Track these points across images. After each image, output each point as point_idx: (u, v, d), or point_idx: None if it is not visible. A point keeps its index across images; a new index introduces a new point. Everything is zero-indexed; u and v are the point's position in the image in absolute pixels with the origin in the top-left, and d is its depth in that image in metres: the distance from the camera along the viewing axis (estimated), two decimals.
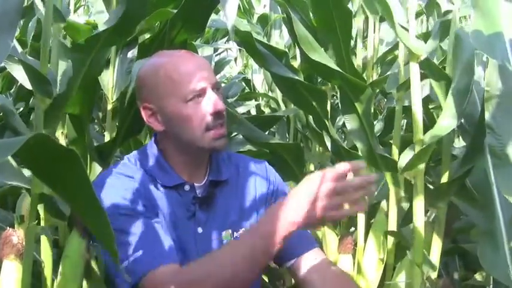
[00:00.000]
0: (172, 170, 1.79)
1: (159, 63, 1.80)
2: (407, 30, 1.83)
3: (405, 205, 2.41)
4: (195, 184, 1.80)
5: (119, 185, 1.73)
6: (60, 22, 2.20)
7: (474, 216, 1.76)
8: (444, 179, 1.89)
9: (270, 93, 3.75)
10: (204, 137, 1.73)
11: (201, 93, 1.72)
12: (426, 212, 1.97)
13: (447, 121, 1.69)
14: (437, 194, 1.87)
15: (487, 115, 1.34)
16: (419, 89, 1.78)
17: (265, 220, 1.56)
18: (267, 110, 4.00)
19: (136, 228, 1.66)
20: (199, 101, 1.72)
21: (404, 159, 1.83)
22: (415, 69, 1.78)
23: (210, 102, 1.72)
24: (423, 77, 1.89)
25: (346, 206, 1.49)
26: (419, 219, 1.78)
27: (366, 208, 1.53)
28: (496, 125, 1.33)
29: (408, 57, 1.85)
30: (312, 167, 3.14)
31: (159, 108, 1.77)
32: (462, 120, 1.83)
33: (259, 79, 4.13)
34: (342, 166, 1.49)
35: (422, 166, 1.79)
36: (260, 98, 4.04)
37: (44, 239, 2.06)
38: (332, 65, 1.96)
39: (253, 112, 4.24)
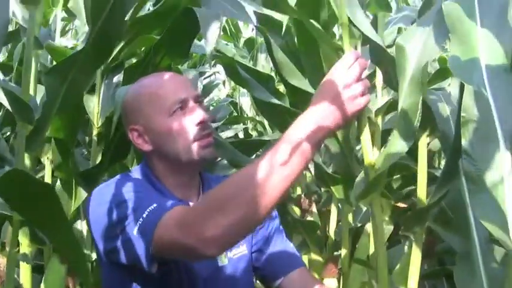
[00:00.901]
0: (166, 189, 1.79)
1: (141, 85, 1.84)
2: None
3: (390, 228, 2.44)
4: (190, 203, 1.79)
5: (124, 181, 1.73)
6: (39, 49, 2.22)
7: (450, 239, 1.76)
8: (421, 202, 1.88)
9: (257, 117, 3.76)
10: (192, 148, 1.73)
11: (183, 105, 1.74)
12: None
13: (398, 145, 1.59)
14: (413, 219, 1.86)
15: (463, 141, 1.35)
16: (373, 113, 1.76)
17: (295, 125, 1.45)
18: (254, 134, 4.01)
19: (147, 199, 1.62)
20: (182, 113, 1.74)
21: (358, 186, 1.81)
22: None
23: (194, 113, 1.74)
24: None
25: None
26: (381, 245, 1.73)
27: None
28: (472, 151, 1.34)
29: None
30: (298, 190, 3.16)
31: (145, 127, 1.78)
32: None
33: (247, 102, 4.15)
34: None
35: (378, 192, 1.72)
36: (248, 121, 4.06)
37: (24, 265, 2.05)
38: (311, 90, 1.97)
39: (241, 135, 4.25)
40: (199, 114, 1.74)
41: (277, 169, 1.36)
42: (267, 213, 1.40)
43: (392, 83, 1.78)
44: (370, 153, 1.65)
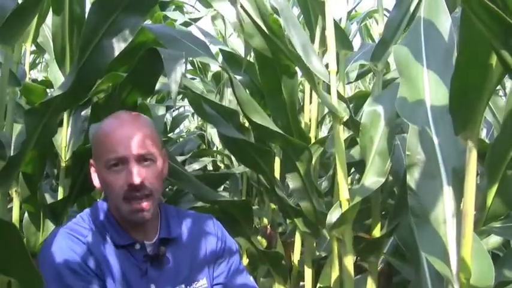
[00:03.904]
0: (121, 228, 1.81)
1: (102, 125, 1.86)
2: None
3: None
4: (145, 242, 1.82)
5: (65, 247, 1.74)
6: (16, 86, 2.27)
7: (404, 271, 1.83)
8: (376, 233, 1.96)
9: (225, 149, 3.81)
10: (123, 206, 1.75)
11: (120, 162, 1.74)
12: None
13: (371, 180, 1.76)
14: (368, 249, 1.94)
15: (408, 177, 1.43)
16: (342, 149, 1.86)
17: None
18: (223, 165, 4.06)
19: None
20: (119, 170, 1.74)
21: (332, 217, 1.89)
22: (338, 130, 1.87)
23: (127, 174, 1.73)
24: None
25: None
26: (349, 274, 1.83)
27: None
28: (416, 188, 1.42)
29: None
30: (265, 221, 3.21)
31: (96, 166, 1.83)
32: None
33: (216, 134, 4.19)
34: None
35: (349, 224, 1.84)
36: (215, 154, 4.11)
37: None
38: (273, 126, 2.04)
39: (210, 167, 4.29)
40: (129, 176, 1.73)
41: None
42: None
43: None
44: (345, 188, 1.80)
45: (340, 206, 1.84)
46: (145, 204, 1.76)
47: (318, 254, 2.86)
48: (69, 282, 1.69)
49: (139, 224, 1.80)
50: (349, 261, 1.85)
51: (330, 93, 1.95)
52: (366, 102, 2.08)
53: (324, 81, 2.04)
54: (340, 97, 1.97)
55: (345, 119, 1.89)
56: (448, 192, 1.40)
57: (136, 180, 1.72)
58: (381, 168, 1.76)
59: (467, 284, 1.33)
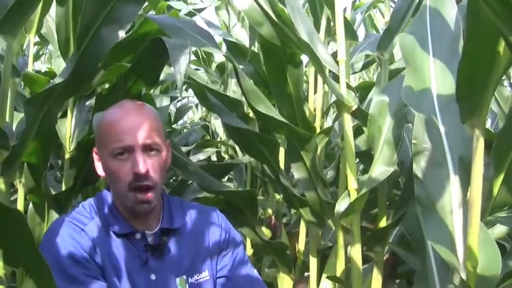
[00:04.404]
0: (122, 218, 1.81)
1: (106, 114, 1.86)
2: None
3: None
4: (147, 232, 1.82)
5: (66, 236, 1.74)
6: (17, 77, 2.26)
7: (410, 260, 1.82)
8: (382, 223, 1.96)
9: (229, 140, 3.80)
10: (127, 196, 1.76)
11: (126, 151, 1.74)
12: None
13: (380, 169, 1.76)
14: (374, 238, 1.93)
15: (414, 166, 1.42)
16: (351, 139, 1.85)
17: None
18: (227, 156, 4.05)
19: None
20: (125, 158, 1.74)
21: (340, 206, 1.89)
22: (347, 119, 1.86)
23: (133, 163, 1.73)
24: None
25: None
26: (356, 264, 1.83)
27: None
28: (422, 176, 1.41)
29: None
30: (270, 212, 3.21)
31: (100, 155, 1.83)
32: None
33: (220, 125, 4.18)
34: None
35: (358, 213, 1.84)
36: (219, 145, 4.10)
37: None
38: (277, 116, 2.03)
39: (214, 158, 4.29)
40: (136, 165, 1.73)
41: None
42: None
43: None
44: (354, 178, 1.82)
45: (349, 196, 1.84)
46: (149, 195, 1.76)
47: (323, 243, 2.85)
48: (71, 271, 1.69)
49: (142, 214, 1.80)
50: (357, 251, 1.85)
51: (338, 83, 1.94)
52: (374, 92, 2.08)
53: (330, 71, 2.03)
54: (348, 87, 1.96)
55: (353, 108, 1.88)
56: (454, 181, 1.39)
57: (142, 169, 1.72)
58: (389, 157, 1.76)
59: (474, 273, 1.32)
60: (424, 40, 1.61)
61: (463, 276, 1.33)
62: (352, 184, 1.85)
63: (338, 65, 1.95)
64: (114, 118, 1.81)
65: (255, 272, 2.02)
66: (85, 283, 1.70)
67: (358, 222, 1.84)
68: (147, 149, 1.76)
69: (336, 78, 1.96)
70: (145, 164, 1.73)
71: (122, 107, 1.87)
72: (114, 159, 1.75)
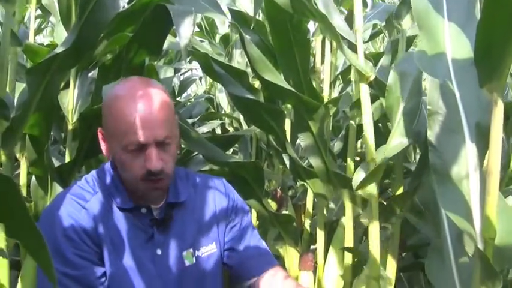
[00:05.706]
0: (127, 192, 1.77)
1: (116, 98, 1.73)
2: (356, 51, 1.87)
3: (365, 221, 2.46)
4: (152, 206, 1.79)
5: (65, 214, 1.70)
6: (17, 46, 2.21)
7: (426, 231, 1.79)
8: (399, 193, 1.94)
9: (234, 113, 3.77)
10: (139, 184, 1.70)
11: (139, 148, 1.66)
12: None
13: (398, 140, 1.73)
14: (389, 209, 1.90)
15: (429, 133, 1.38)
16: (369, 109, 1.81)
17: None
18: (231, 129, 4.02)
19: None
20: (138, 154, 1.67)
21: (358, 177, 1.85)
22: (364, 90, 1.82)
23: (147, 160, 1.66)
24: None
25: None
26: (374, 235, 1.81)
27: None
28: (437, 143, 1.37)
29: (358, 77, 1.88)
30: (274, 184, 3.18)
31: (107, 139, 1.76)
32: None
33: (224, 98, 4.16)
34: None
35: (375, 184, 1.81)
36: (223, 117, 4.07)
37: (0, 260, 2.05)
38: (285, 84, 1.99)
39: (219, 131, 4.27)
40: (150, 163, 1.66)
41: None
42: None
43: None
44: (373, 148, 1.79)
45: (368, 166, 1.81)
46: (162, 183, 1.73)
47: (329, 217, 2.83)
48: (65, 252, 1.66)
49: (150, 201, 1.77)
50: (375, 222, 1.82)
51: (356, 52, 1.88)
52: (394, 63, 2.04)
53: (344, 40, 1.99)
54: (365, 56, 1.91)
55: (371, 79, 1.83)
56: (471, 147, 1.35)
57: (158, 167, 1.67)
58: (407, 129, 1.72)
59: (492, 244, 1.28)
60: (438, 3, 1.55)
61: (481, 247, 1.29)
62: (373, 154, 1.80)
63: (355, 34, 1.89)
64: (126, 106, 1.67)
65: (263, 244, 1.99)
66: (78, 266, 1.67)
67: (376, 193, 1.80)
68: (161, 144, 1.68)
69: (352, 47, 1.91)
70: (160, 161, 1.67)
71: (132, 93, 1.70)
72: (126, 152, 1.67)
